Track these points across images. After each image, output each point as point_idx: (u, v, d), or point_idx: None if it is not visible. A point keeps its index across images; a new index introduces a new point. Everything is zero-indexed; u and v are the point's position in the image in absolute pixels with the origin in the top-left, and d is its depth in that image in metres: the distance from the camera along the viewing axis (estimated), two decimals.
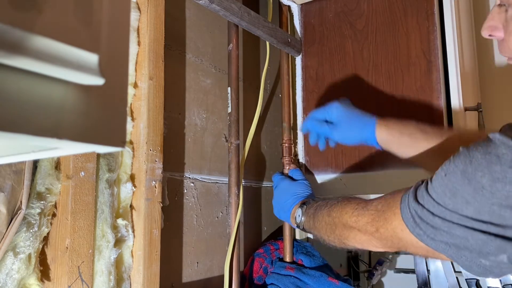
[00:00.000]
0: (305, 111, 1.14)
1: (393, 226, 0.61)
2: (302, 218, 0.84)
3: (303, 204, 0.87)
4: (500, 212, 0.49)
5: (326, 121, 0.91)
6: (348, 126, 0.88)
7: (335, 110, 0.90)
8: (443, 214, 0.53)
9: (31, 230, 0.59)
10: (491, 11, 0.63)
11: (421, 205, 0.56)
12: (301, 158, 1.11)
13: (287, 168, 1.06)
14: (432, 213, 0.55)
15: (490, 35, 0.63)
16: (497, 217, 0.49)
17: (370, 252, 1.63)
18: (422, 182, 0.59)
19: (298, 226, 0.86)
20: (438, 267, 1.44)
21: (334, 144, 0.94)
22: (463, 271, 1.24)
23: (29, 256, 0.59)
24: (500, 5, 0.62)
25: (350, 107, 0.90)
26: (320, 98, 1.11)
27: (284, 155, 1.07)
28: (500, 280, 1.19)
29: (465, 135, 0.77)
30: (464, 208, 0.51)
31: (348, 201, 0.73)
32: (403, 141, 0.81)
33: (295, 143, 1.15)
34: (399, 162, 0.98)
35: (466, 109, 0.95)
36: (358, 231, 0.68)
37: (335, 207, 0.74)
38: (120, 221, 0.72)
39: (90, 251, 0.65)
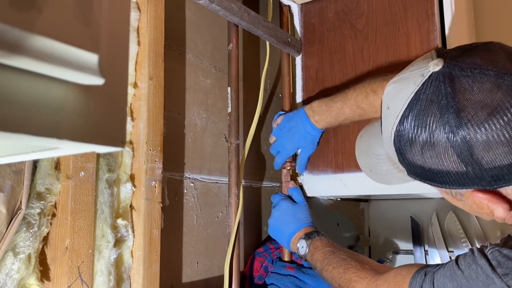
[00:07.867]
0: None
1: None
2: (307, 250, 0.88)
3: (307, 235, 0.90)
4: None
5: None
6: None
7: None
8: None
9: (31, 230, 0.59)
10: None
11: None
12: None
13: (287, 168, 1.06)
14: None
15: None
16: None
17: (370, 252, 1.63)
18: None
19: (299, 255, 0.91)
20: None
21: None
22: None
23: (29, 256, 0.59)
24: None
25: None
26: (320, 98, 1.11)
27: None
28: None
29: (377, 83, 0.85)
30: None
31: (359, 277, 0.76)
32: (341, 124, 0.96)
33: None
34: None
35: None
36: None
37: (345, 276, 0.77)
38: (120, 221, 0.72)
39: (90, 251, 0.65)
